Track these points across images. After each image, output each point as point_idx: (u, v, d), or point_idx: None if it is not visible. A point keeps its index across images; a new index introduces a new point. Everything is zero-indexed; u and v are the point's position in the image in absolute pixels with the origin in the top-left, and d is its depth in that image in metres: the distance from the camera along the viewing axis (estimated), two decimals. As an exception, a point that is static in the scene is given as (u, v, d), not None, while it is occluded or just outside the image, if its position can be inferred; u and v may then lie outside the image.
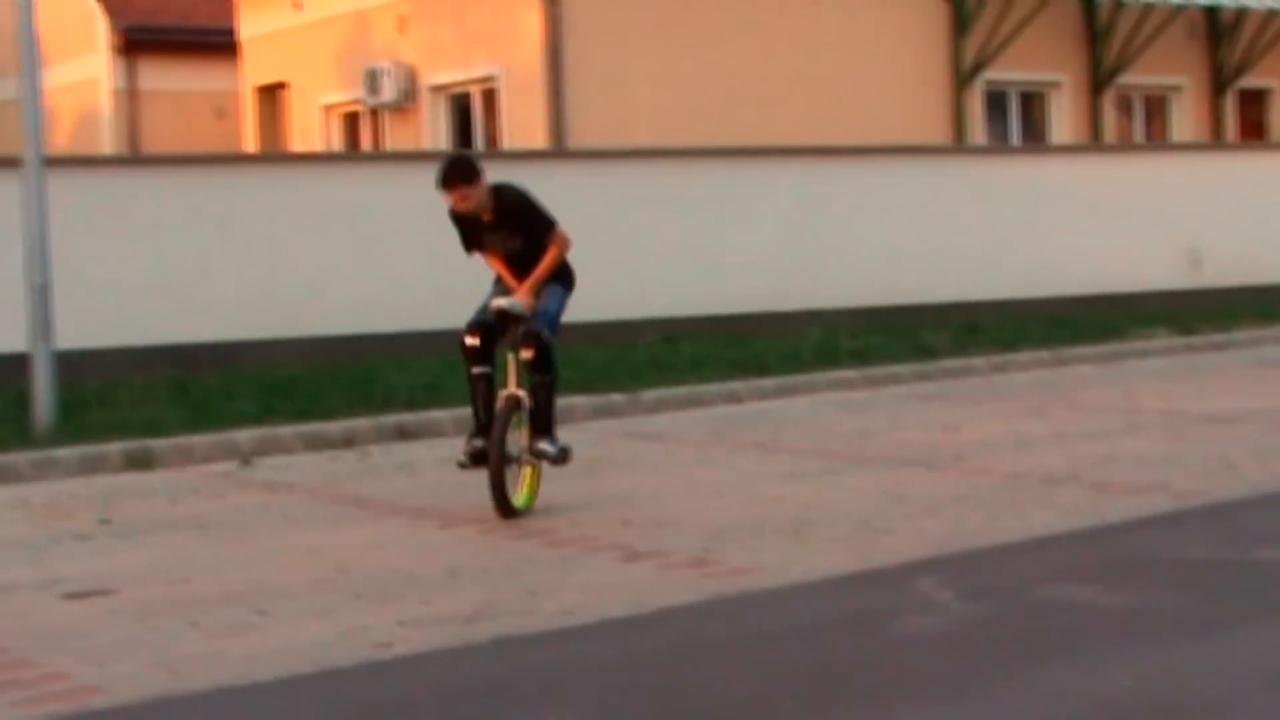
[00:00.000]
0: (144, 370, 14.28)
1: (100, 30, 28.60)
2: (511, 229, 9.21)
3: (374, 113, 23.54)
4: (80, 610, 7.20)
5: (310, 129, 24.71)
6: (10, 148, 14.45)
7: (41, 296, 12.04)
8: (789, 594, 7.07)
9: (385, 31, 22.97)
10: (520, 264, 9.27)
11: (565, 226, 9.27)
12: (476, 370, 9.16)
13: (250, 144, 26.21)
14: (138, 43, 28.41)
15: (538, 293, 9.16)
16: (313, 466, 11.21)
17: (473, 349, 9.14)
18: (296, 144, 24.85)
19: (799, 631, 6.42)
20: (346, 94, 23.84)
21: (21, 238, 12.09)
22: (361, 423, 12.25)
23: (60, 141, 28.28)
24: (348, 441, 11.98)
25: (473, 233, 9.28)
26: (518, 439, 9.08)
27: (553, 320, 9.25)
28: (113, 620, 6.97)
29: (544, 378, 9.16)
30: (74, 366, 12.96)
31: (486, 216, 9.16)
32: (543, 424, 9.16)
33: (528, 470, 9.16)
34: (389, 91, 22.45)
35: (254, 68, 26.00)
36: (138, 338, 14.89)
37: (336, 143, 24.44)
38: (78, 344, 13.43)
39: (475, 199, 9.09)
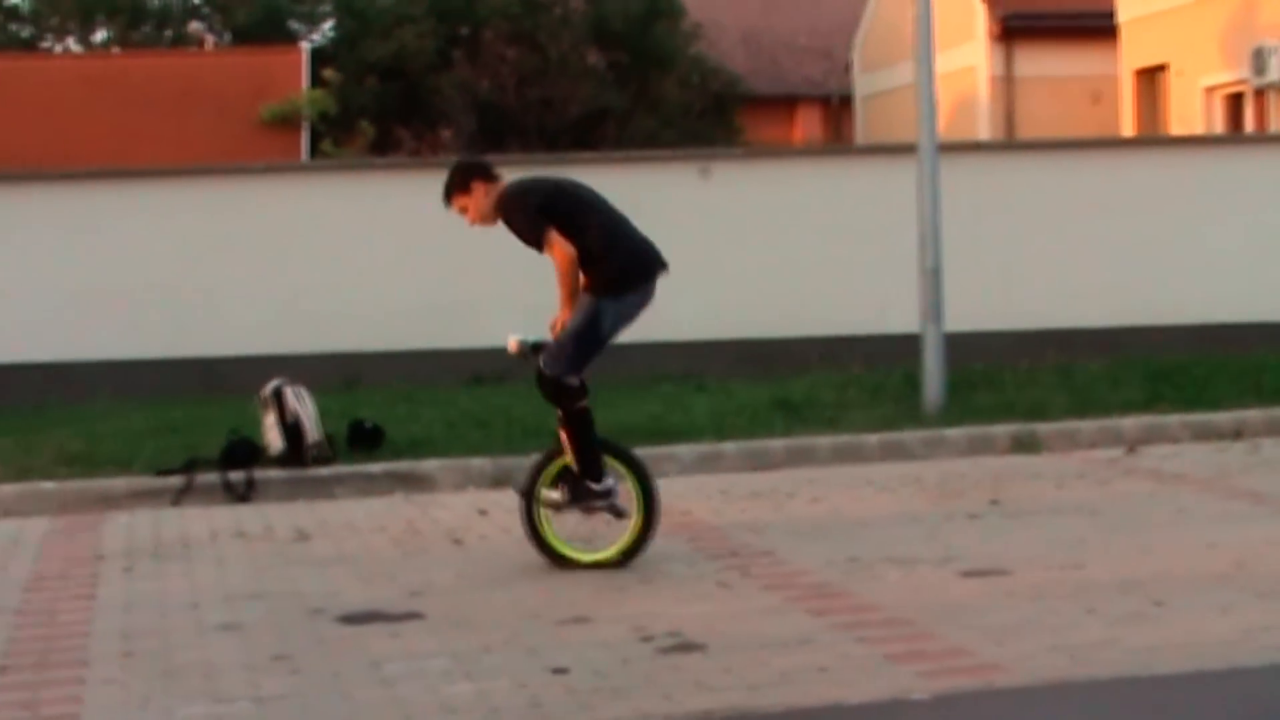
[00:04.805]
0: (1028, 354, 14.36)
1: (979, 19, 29.08)
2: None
3: (1259, 94, 22.72)
4: (977, 588, 7.34)
5: (1190, 112, 24.13)
6: (898, 134, 14.92)
7: (933, 279, 12.33)
8: None
9: (1275, 8, 22.11)
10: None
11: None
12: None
13: (1128, 128, 25.92)
14: (1015, 30, 28.68)
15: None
16: (1200, 457, 10.93)
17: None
18: (1175, 127, 24.34)
19: None
20: (1230, 75, 23.13)
21: (915, 221, 12.43)
22: (1251, 414, 11.84)
23: (940, 128, 28.91)
24: (1236, 433, 11.60)
25: None
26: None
27: (560, 346, 7.91)
28: (1009, 601, 7.06)
29: (558, 412, 7.99)
30: (961, 348, 13.20)
31: None
32: (574, 464, 8.02)
33: (608, 518, 8.11)
34: (1276, 71, 21.60)
35: (1133, 50, 25.68)
36: (1022, 321, 15.02)
37: (1218, 125, 23.75)
38: (965, 326, 13.66)
39: (477, 209, 7.92)
